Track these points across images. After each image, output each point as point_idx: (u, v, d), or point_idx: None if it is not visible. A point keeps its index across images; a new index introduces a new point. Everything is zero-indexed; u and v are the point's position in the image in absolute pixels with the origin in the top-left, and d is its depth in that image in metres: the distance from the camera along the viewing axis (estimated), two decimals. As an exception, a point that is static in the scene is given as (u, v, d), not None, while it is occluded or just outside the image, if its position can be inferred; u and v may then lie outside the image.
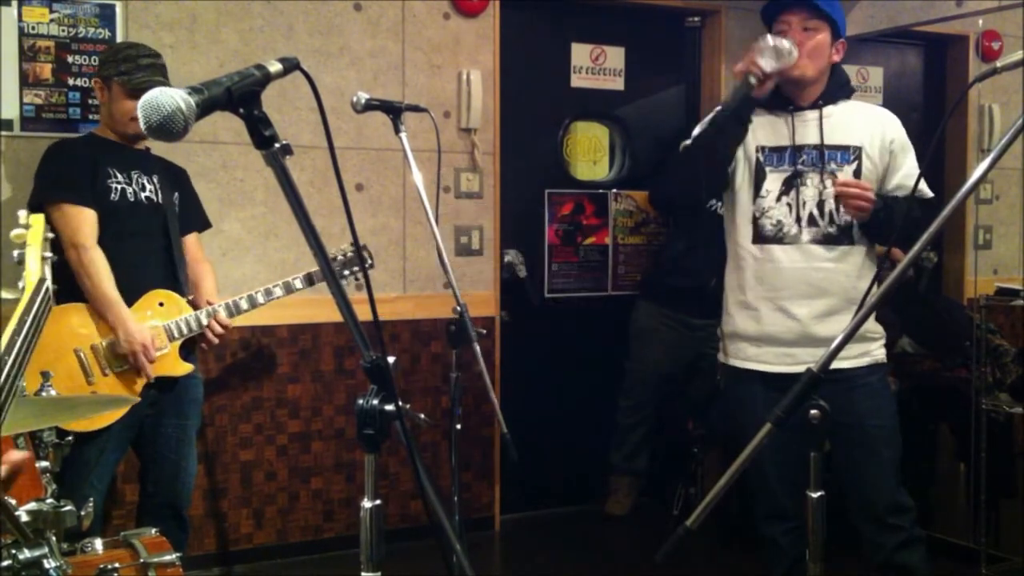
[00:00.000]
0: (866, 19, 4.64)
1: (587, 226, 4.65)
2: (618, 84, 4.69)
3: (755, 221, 2.78)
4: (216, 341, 3.14)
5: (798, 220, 2.74)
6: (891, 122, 2.82)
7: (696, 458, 4.31)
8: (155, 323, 3.02)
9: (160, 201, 3.13)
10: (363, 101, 2.83)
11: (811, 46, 2.71)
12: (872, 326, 2.80)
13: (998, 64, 1.69)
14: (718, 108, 2.68)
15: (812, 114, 2.77)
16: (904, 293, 4.20)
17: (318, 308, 3.76)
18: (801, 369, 1.72)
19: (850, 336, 1.65)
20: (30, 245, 2.04)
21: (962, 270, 5.23)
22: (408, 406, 1.55)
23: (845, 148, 2.76)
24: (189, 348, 3.14)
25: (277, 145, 1.34)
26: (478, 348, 2.71)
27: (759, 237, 2.77)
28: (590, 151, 4.75)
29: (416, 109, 2.97)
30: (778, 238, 2.75)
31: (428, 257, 4.12)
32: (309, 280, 3.24)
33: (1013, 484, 3.88)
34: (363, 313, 1.42)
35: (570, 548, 4.21)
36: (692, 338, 4.37)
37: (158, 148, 3.24)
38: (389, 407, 1.40)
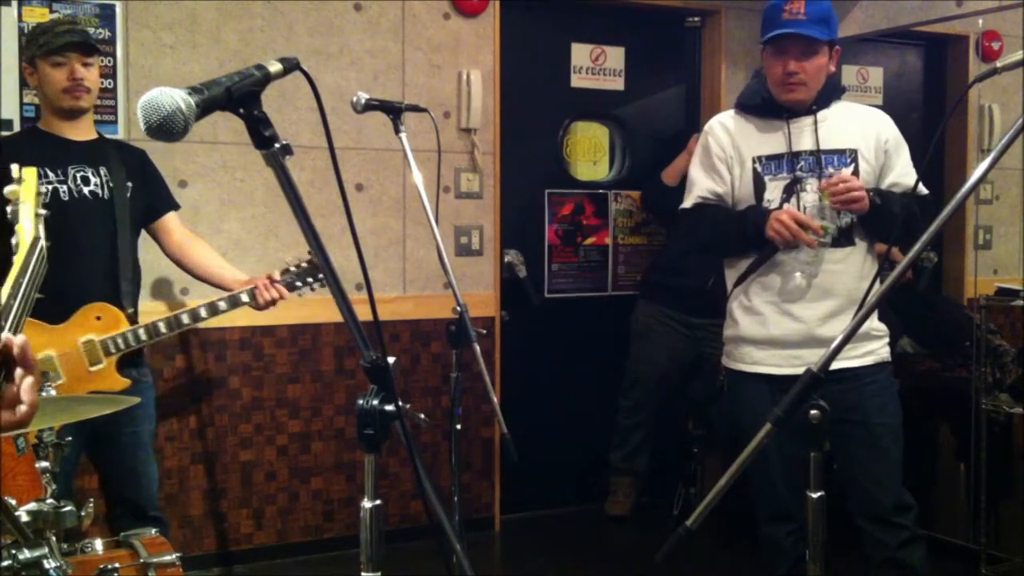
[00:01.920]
0: (866, 19, 4.64)
1: (587, 226, 4.65)
2: (618, 84, 4.69)
3: None
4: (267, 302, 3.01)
5: None
6: (884, 122, 2.82)
7: (696, 458, 4.32)
8: (91, 337, 2.89)
9: (108, 196, 2.99)
10: (363, 101, 2.82)
11: (812, 70, 2.71)
12: (876, 324, 2.80)
13: (998, 64, 1.69)
14: (752, 217, 2.72)
15: (807, 120, 2.77)
16: (904, 293, 4.20)
17: (318, 308, 3.76)
18: None
19: (850, 336, 1.64)
20: (23, 202, 1.92)
21: (962, 270, 5.22)
22: (408, 406, 1.55)
23: (841, 152, 2.75)
24: (132, 360, 3.00)
25: (277, 145, 1.34)
26: (478, 348, 2.71)
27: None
28: (590, 151, 4.74)
29: (416, 109, 2.96)
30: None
31: (428, 257, 4.12)
32: (252, 295, 3.02)
33: (1013, 484, 3.88)
34: (363, 313, 1.42)
35: (570, 548, 4.21)
36: (692, 338, 4.37)
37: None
38: (389, 407, 1.40)
